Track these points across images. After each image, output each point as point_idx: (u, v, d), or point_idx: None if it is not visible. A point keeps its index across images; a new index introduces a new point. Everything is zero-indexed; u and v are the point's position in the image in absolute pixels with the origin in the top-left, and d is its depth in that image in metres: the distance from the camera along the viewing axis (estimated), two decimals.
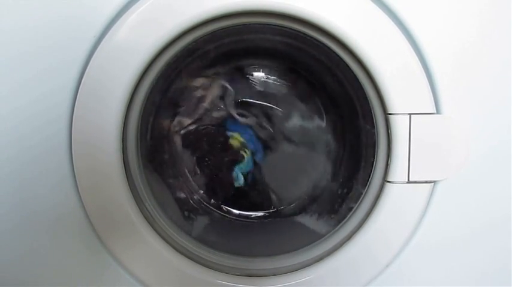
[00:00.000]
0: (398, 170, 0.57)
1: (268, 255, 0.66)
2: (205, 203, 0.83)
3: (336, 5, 0.54)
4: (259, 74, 0.81)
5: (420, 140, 0.56)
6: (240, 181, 0.83)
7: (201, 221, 0.78)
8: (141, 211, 0.59)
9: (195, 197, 0.83)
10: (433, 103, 0.56)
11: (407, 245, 0.59)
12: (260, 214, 0.83)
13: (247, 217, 0.83)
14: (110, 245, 0.58)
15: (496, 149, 0.58)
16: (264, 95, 0.81)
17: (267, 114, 0.81)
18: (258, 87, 0.81)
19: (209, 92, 0.79)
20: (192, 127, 0.81)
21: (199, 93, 0.80)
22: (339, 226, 0.64)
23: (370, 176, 0.62)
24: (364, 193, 0.62)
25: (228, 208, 0.83)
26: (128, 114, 0.58)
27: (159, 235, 0.60)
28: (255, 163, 0.83)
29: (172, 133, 0.81)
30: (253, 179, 0.84)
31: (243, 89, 0.80)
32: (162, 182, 0.73)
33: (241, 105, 0.81)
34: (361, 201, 0.62)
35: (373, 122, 0.60)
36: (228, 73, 0.79)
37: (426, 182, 0.57)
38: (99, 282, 0.60)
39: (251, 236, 0.75)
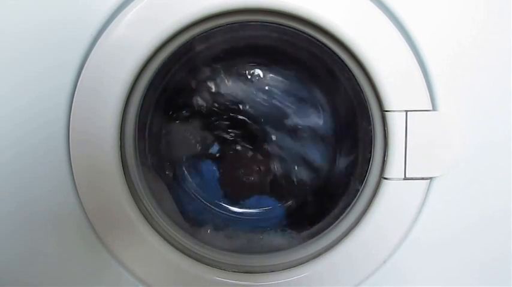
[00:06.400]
0: (394, 167, 0.57)
1: (266, 252, 0.66)
2: (203, 201, 0.83)
3: (333, 3, 0.54)
4: (256, 72, 0.81)
5: (416, 137, 0.56)
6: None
7: (199, 218, 0.78)
8: (139, 209, 0.59)
9: (193, 194, 0.83)
10: (430, 100, 0.56)
11: (404, 241, 0.59)
12: (256, 211, 0.84)
13: (245, 214, 0.84)
14: (108, 244, 0.58)
15: (492, 145, 0.58)
16: (261, 92, 0.81)
17: (264, 113, 0.82)
18: (256, 85, 0.81)
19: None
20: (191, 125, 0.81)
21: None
22: (336, 223, 0.64)
23: (366, 172, 0.62)
24: (360, 190, 0.63)
25: (226, 206, 0.84)
26: (126, 113, 0.58)
27: (158, 232, 0.60)
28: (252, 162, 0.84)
29: (170, 131, 0.81)
30: (250, 176, 0.84)
31: (240, 87, 0.81)
32: (160, 180, 0.73)
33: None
34: (358, 198, 0.62)
35: (369, 119, 0.60)
36: (225, 71, 0.79)
37: (423, 178, 0.58)
38: (99, 281, 0.61)
39: (249, 233, 0.75)
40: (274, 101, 0.81)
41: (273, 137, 0.82)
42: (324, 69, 0.71)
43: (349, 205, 0.64)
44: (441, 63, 0.55)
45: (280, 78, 0.81)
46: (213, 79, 0.80)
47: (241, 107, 0.81)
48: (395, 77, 0.55)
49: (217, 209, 0.83)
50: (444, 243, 0.60)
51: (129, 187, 0.58)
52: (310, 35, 0.58)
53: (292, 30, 0.58)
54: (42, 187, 0.57)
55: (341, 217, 0.64)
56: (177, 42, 0.57)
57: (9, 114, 0.55)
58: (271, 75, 0.81)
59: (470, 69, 0.56)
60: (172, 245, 0.61)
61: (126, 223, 0.58)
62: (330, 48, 0.58)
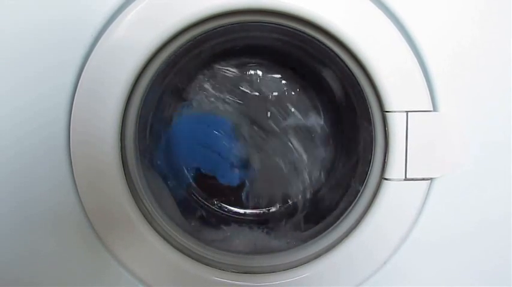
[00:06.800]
0: (395, 168, 0.57)
1: (266, 252, 0.66)
2: (203, 201, 0.83)
3: (334, 3, 0.54)
4: (256, 72, 0.81)
5: (417, 138, 0.56)
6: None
7: (200, 219, 0.78)
8: (139, 210, 0.59)
9: (193, 194, 0.83)
10: (430, 101, 0.56)
11: (404, 242, 0.59)
12: (258, 211, 0.84)
13: (245, 215, 0.84)
14: (109, 244, 0.58)
15: (492, 146, 0.58)
16: (261, 93, 0.81)
17: (264, 113, 0.82)
18: (256, 86, 0.81)
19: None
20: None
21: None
22: (336, 223, 0.64)
23: (367, 173, 0.62)
24: (361, 191, 0.63)
25: (226, 206, 0.84)
26: (126, 113, 0.58)
27: (158, 233, 0.60)
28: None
29: (171, 131, 0.81)
30: (251, 177, 0.84)
31: (240, 88, 0.81)
32: (160, 180, 0.73)
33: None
34: (359, 198, 0.62)
35: (370, 120, 0.60)
36: (226, 71, 0.80)
37: (423, 179, 0.58)
38: (99, 280, 0.61)
39: (249, 233, 0.75)
40: (274, 102, 0.81)
41: (273, 138, 0.82)
42: (325, 69, 0.71)
43: (349, 206, 0.64)
44: (442, 64, 0.55)
45: (280, 79, 0.81)
46: (213, 80, 0.80)
47: (241, 107, 0.81)
48: (396, 78, 0.55)
49: (217, 209, 0.83)
50: (444, 244, 0.60)
51: (129, 187, 0.58)
52: (310, 36, 0.58)
53: (292, 30, 0.58)
54: (42, 186, 0.57)
55: (341, 218, 0.64)
56: (177, 42, 0.57)
57: (9, 114, 0.55)
58: (271, 75, 0.81)
59: (470, 69, 0.56)
60: (172, 245, 0.61)
61: (126, 223, 0.58)
62: (330, 49, 0.58)
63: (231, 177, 0.84)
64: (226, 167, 0.84)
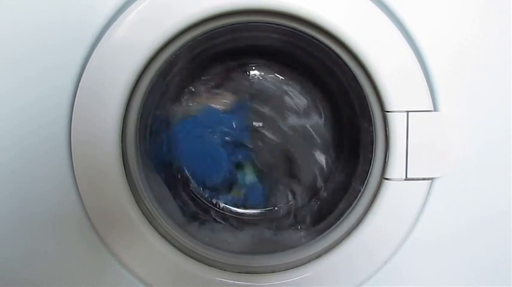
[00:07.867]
0: (396, 167, 0.57)
1: (266, 252, 0.66)
2: (204, 201, 0.83)
3: (334, 3, 0.54)
4: (257, 72, 0.81)
5: (418, 138, 0.56)
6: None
7: (200, 219, 0.78)
8: (140, 209, 0.59)
9: (193, 195, 0.83)
10: (431, 101, 0.56)
11: (405, 242, 0.59)
12: (258, 211, 0.84)
13: (245, 215, 0.84)
14: (109, 243, 0.59)
15: (493, 146, 0.58)
16: (262, 93, 0.81)
17: (265, 114, 0.82)
18: (256, 86, 0.81)
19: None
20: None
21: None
22: (337, 223, 0.64)
23: (368, 173, 0.62)
24: (362, 190, 0.63)
25: (227, 206, 0.84)
26: (127, 114, 0.58)
27: (159, 232, 0.60)
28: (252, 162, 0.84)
29: (172, 131, 0.81)
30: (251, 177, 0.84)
31: (241, 88, 0.81)
32: (161, 180, 0.73)
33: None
34: (359, 198, 0.62)
35: (370, 120, 0.60)
36: (226, 71, 0.80)
37: (424, 179, 0.58)
38: (99, 280, 0.61)
39: (250, 233, 0.75)
40: (275, 102, 0.81)
41: (274, 138, 0.82)
42: (325, 69, 0.71)
43: (350, 206, 0.64)
44: (442, 64, 0.56)
45: (281, 79, 0.81)
46: (214, 80, 0.80)
47: (242, 107, 0.81)
48: (396, 78, 0.55)
49: (218, 209, 0.83)
50: (445, 244, 0.60)
51: (130, 187, 0.58)
52: (311, 36, 0.58)
53: (293, 30, 0.58)
54: (43, 186, 0.57)
55: (342, 218, 0.64)
56: (178, 43, 0.57)
57: (11, 114, 0.56)
58: (271, 75, 0.81)
59: (471, 69, 0.56)
60: (172, 245, 0.61)
61: (126, 223, 0.58)
62: (330, 49, 0.58)
63: (229, 178, 0.84)
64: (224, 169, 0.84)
